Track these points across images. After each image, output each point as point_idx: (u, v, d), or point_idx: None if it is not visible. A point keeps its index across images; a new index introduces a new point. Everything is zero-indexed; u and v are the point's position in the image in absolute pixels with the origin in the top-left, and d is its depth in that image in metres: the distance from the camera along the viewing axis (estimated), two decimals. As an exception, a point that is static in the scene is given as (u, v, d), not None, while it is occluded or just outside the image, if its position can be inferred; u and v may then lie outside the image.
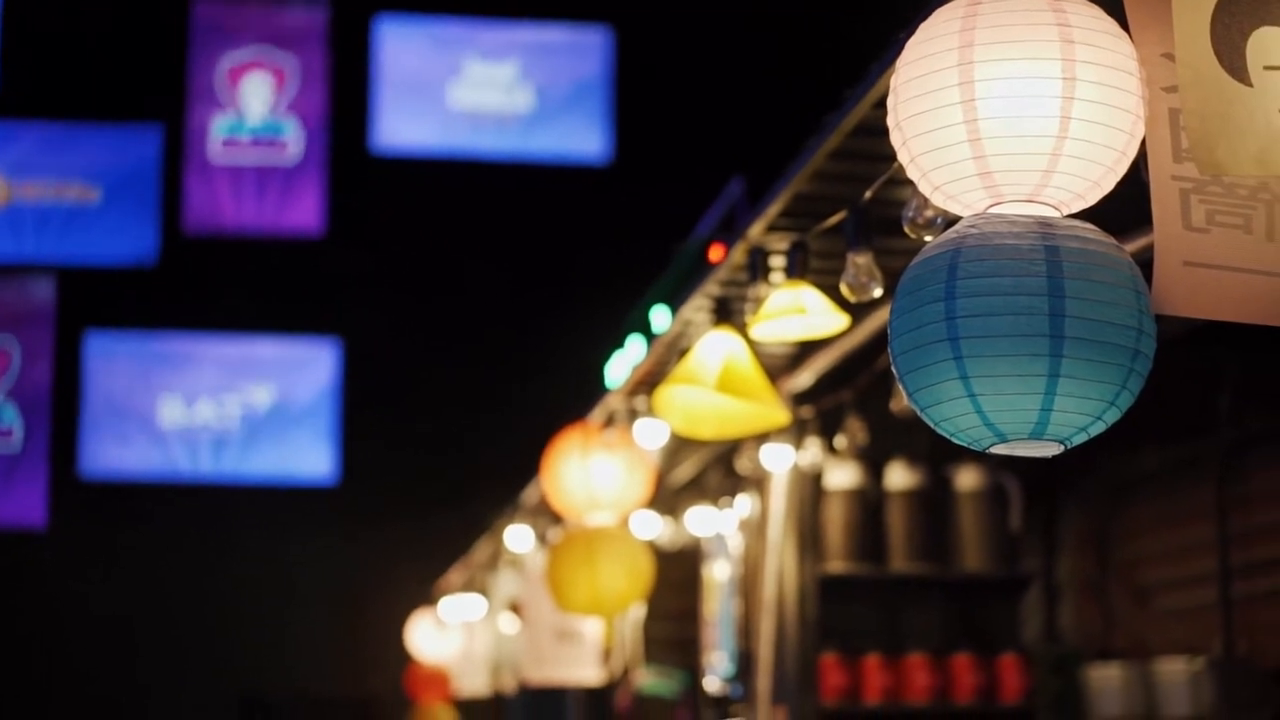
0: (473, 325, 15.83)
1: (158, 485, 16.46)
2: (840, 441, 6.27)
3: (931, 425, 2.66)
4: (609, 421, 6.73)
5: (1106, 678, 6.73)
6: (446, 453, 15.83)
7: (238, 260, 16.20)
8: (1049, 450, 2.64)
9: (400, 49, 16.61)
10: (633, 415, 6.54)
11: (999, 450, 2.65)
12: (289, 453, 16.60)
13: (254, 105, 16.28)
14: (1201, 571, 6.59)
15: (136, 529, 16.23)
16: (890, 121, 2.69)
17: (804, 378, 6.34)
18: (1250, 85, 2.57)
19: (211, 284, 16.43)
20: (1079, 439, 2.62)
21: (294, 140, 16.29)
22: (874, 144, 3.93)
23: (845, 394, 6.25)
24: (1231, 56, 2.58)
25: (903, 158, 2.69)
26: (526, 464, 8.19)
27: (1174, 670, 6.30)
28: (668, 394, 5.03)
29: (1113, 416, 2.59)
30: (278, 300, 16.42)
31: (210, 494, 16.51)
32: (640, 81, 16.32)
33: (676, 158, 14.86)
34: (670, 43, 15.68)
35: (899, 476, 7.21)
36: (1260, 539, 6.26)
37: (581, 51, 16.62)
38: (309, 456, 16.62)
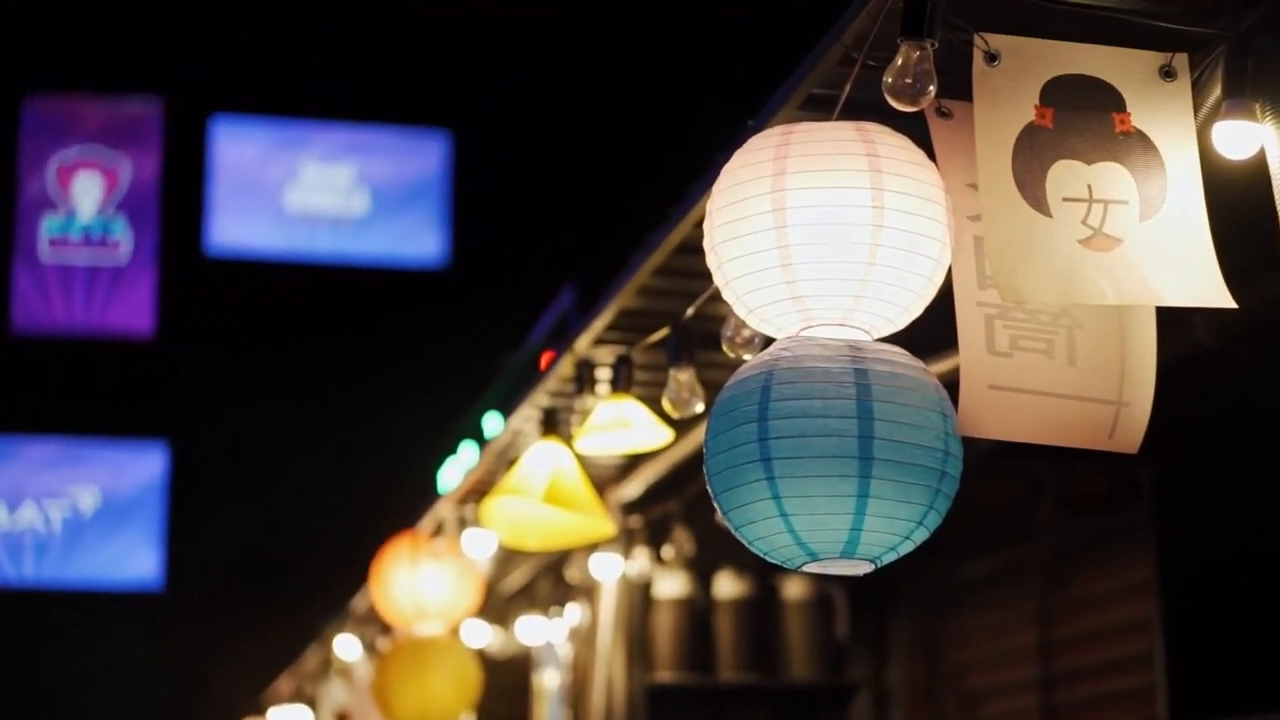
0: (304, 429, 15.65)
1: (-21, 591, 16.04)
2: (668, 551, 6.30)
3: (745, 544, 2.70)
4: (438, 530, 6.70)
5: (932, 785, 6.79)
6: (275, 559, 15.60)
7: (66, 361, 15.90)
8: (860, 569, 2.69)
9: (236, 149, 16.51)
10: (462, 524, 6.52)
11: (811, 569, 2.69)
12: (114, 557, 16.26)
13: (85, 204, 16.07)
14: (1026, 678, 6.69)
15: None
16: (706, 245, 2.74)
17: (633, 488, 6.36)
18: (1050, 216, 2.66)
19: (38, 385, 16.10)
20: (889, 558, 2.67)
21: (125, 239, 16.10)
22: (697, 261, 3.97)
23: (673, 504, 6.28)
24: (1032, 188, 2.67)
25: (718, 280, 2.74)
26: (357, 571, 8.11)
27: (997, 777, 6.38)
28: (494, 505, 5.03)
29: (920, 536, 2.65)
30: (106, 402, 16.13)
31: (32, 599, 16.10)
32: (477, 186, 16.37)
33: (513, 263, 14.90)
34: (508, 148, 15.76)
35: (727, 586, 7.25)
36: (1082, 646, 6.37)
37: (418, 155, 16.64)
38: (134, 561, 16.29)
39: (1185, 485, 5.53)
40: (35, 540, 16.21)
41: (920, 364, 2.64)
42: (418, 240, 16.56)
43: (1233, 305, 2.66)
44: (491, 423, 8.05)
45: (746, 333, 3.62)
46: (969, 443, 2.70)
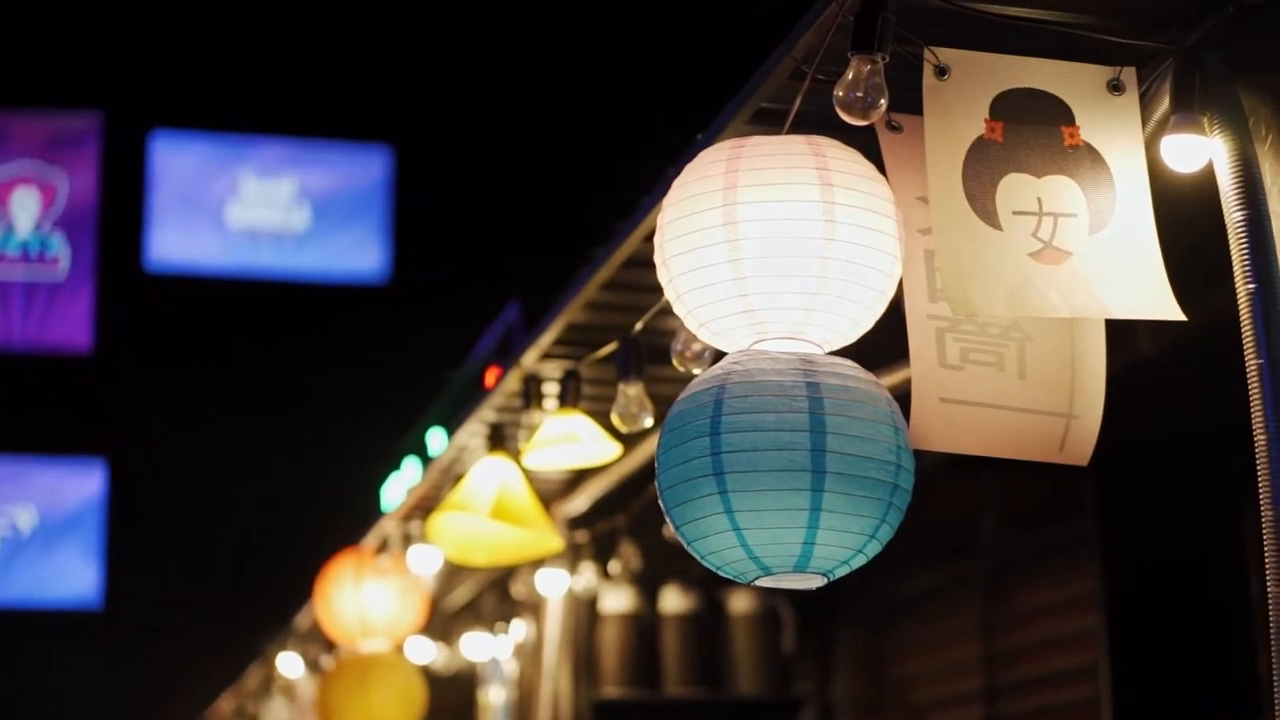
0: (245, 445, 15.56)
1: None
2: (614, 566, 6.28)
3: (698, 558, 2.70)
4: (383, 546, 6.67)
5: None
6: (216, 576, 15.50)
7: (2, 377, 15.75)
8: (812, 582, 2.69)
9: (175, 164, 16.40)
10: (407, 540, 6.49)
11: (764, 583, 2.69)
12: (52, 575, 16.11)
13: (22, 220, 15.92)
14: (971, 690, 6.71)
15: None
16: (657, 258, 2.73)
17: (579, 503, 6.34)
18: (1000, 229, 2.66)
19: (-25, 402, 15.95)
20: (841, 571, 2.67)
21: (63, 255, 15.96)
22: (645, 275, 3.97)
23: (619, 519, 6.27)
24: (983, 201, 2.67)
25: (669, 294, 2.73)
26: (300, 588, 8.06)
27: (944, 789, 6.40)
28: (441, 521, 5.01)
29: (873, 549, 2.65)
30: (44, 419, 15.98)
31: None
32: (419, 200, 16.32)
33: (455, 277, 14.86)
34: (449, 161, 15.72)
35: (673, 600, 7.25)
36: (1026, 658, 6.40)
37: (359, 169, 16.57)
38: (73, 579, 16.14)
39: (1128, 497, 5.55)
40: (-28, 559, 16.05)
41: (872, 377, 2.64)
42: (359, 255, 16.49)
43: (1182, 318, 2.67)
44: (435, 439, 8.02)
45: (697, 346, 3.61)
46: (915, 455, 2.70)
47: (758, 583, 2.68)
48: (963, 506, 6.59)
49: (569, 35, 14.41)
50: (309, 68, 15.69)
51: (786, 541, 2.58)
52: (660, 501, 2.67)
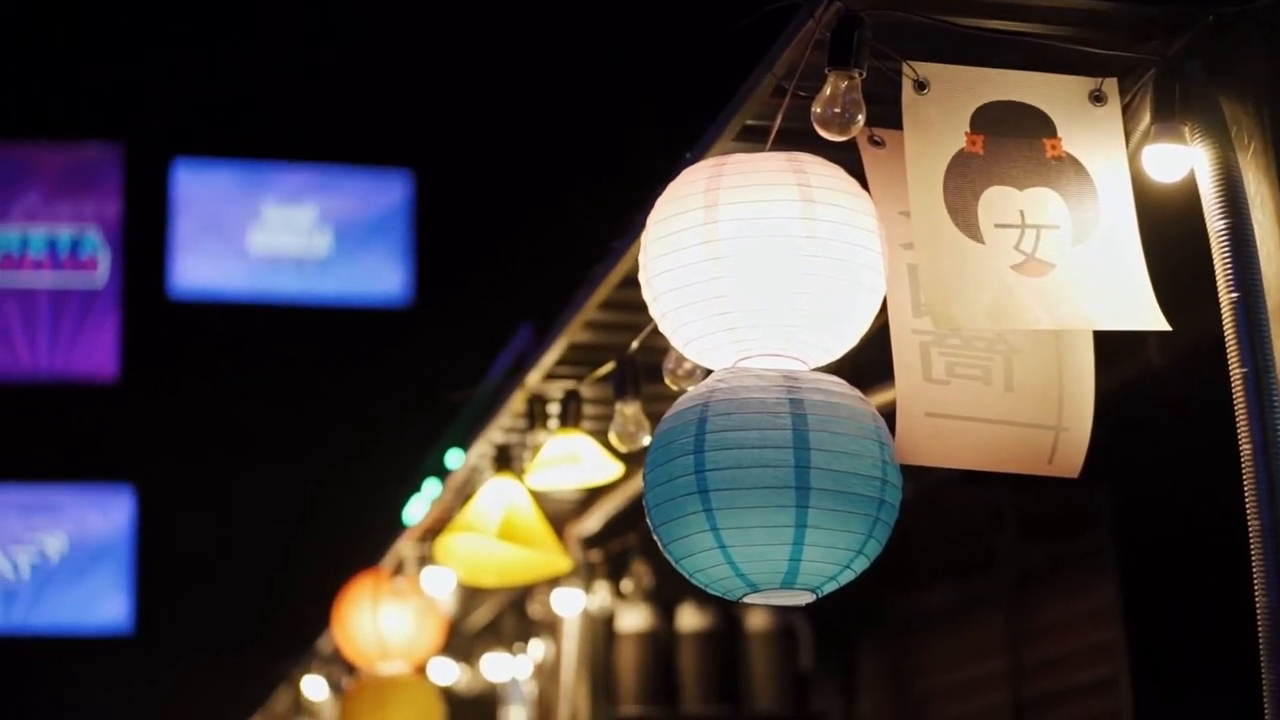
0: (269, 469, 15.59)
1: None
2: (626, 585, 6.27)
3: (686, 576, 2.70)
4: (399, 569, 6.67)
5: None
6: (246, 600, 15.53)
7: (27, 406, 15.82)
8: (801, 599, 2.68)
9: (197, 192, 16.47)
10: (422, 562, 6.48)
11: (752, 600, 2.68)
12: (83, 602, 16.17)
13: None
14: (994, 704, 6.68)
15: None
16: (642, 278, 2.73)
17: (592, 522, 6.34)
18: (982, 242, 2.65)
19: (1, 430, 16.01)
20: (829, 587, 2.66)
21: (102, 258, 16.01)
22: (642, 294, 3.97)
23: (631, 538, 6.26)
24: (965, 214, 2.66)
25: (654, 313, 2.73)
26: (323, 611, 8.07)
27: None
28: (449, 542, 5.01)
29: (861, 565, 2.63)
30: (71, 447, 16.04)
31: (2, 646, 15.98)
32: (439, 223, 16.36)
33: (476, 299, 14.88)
34: (469, 184, 15.75)
35: (689, 618, 7.24)
36: (1049, 671, 6.37)
37: (379, 194, 16.62)
38: (104, 606, 16.19)
39: (1142, 508, 5.53)
40: (3, 587, 16.11)
41: (857, 393, 2.63)
42: (381, 279, 16.54)
43: (1167, 328, 2.65)
44: (454, 459, 8.02)
45: (688, 365, 3.61)
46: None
47: (746, 599, 2.68)
48: (980, 521, 6.57)
49: (582, 57, 14.42)
50: (329, 94, 15.74)
51: (772, 558, 2.57)
52: (648, 520, 2.67)
